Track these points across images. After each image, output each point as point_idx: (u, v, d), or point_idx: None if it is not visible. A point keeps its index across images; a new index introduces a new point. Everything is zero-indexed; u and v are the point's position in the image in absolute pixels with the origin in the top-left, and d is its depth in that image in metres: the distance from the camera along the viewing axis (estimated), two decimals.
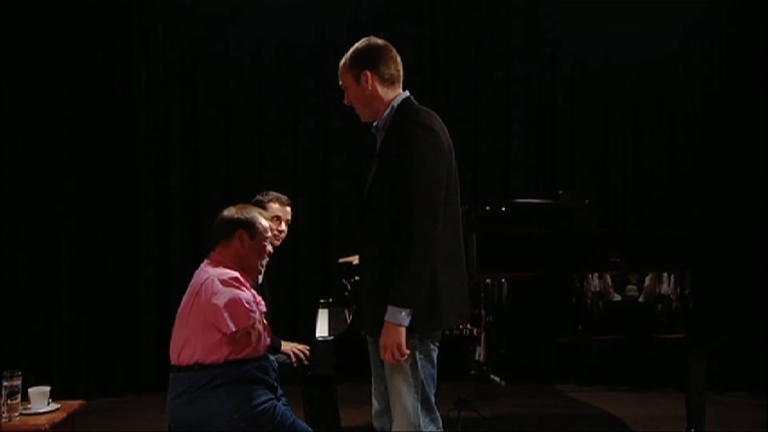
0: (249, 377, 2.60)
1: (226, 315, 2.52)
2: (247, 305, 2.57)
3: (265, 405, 2.60)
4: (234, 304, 2.54)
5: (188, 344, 2.57)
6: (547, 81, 5.82)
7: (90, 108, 5.36)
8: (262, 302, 2.95)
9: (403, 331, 2.23)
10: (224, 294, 2.55)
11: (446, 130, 2.42)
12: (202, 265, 2.72)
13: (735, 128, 5.45)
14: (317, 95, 5.63)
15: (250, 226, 2.73)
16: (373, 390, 2.56)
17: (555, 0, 5.73)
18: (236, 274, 2.63)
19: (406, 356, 2.26)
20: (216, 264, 2.68)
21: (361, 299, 2.50)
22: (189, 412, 2.55)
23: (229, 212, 2.77)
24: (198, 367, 2.55)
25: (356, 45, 2.48)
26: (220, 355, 2.55)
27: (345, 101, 2.52)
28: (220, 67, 5.67)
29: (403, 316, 2.22)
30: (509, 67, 5.81)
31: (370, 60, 2.42)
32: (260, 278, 2.95)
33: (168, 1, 5.57)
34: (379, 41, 2.48)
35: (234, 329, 2.53)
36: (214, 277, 2.59)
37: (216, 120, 5.67)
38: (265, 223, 2.79)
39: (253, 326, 2.60)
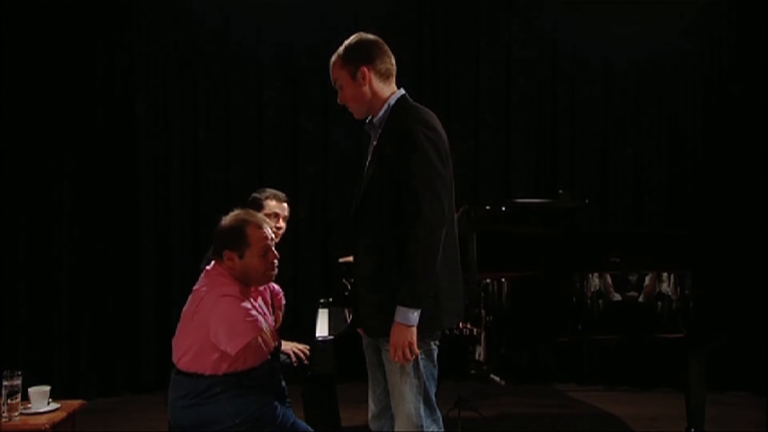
0: (247, 385, 2.58)
1: (225, 337, 2.46)
2: (247, 318, 2.50)
3: (265, 407, 2.58)
4: (232, 323, 2.47)
5: (189, 353, 2.54)
6: (547, 81, 5.83)
7: (90, 108, 5.36)
8: (281, 293, 2.94)
9: (414, 330, 2.22)
10: (222, 314, 2.48)
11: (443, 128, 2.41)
12: (204, 274, 2.67)
13: (735, 127, 5.45)
14: (318, 93, 5.64)
15: (236, 245, 2.57)
16: (369, 393, 2.55)
17: (555, 0, 5.74)
18: (235, 289, 2.56)
19: (416, 355, 2.26)
20: (215, 276, 2.61)
21: (358, 299, 2.47)
22: (189, 416, 2.54)
23: (223, 224, 2.64)
24: (197, 376, 2.53)
25: (347, 42, 2.45)
26: (219, 370, 2.52)
27: (339, 100, 2.48)
28: (220, 66, 5.67)
29: (414, 317, 2.22)
30: (509, 67, 5.81)
31: (365, 55, 2.39)
32: None
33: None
34: (370, 36, 2.45)
35: (234, 353, 2.48)
36: (215, 292, 2.53)
37: (216, 119, 5.67)
38: (260, 232, 2.60)
39: (256, 337, 2.55)
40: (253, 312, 2.55)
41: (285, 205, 3.49)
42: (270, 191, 3.48)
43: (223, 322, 2.48)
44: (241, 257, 2.58)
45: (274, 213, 3.41)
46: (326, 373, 3.05)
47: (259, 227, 2.63)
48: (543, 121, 5.84)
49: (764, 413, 4.57)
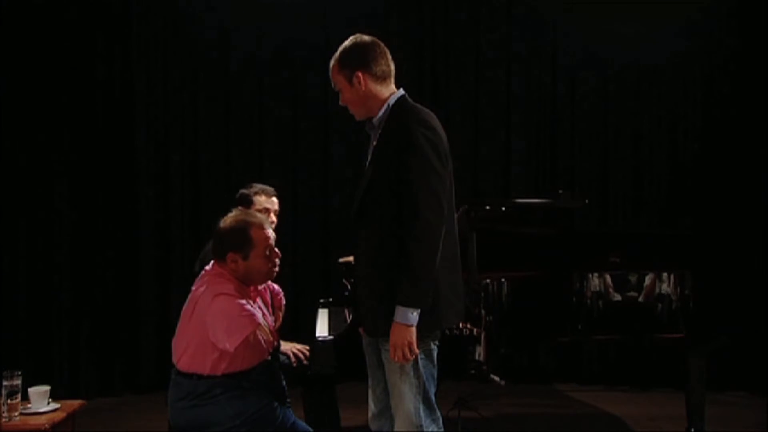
0: (247, 386, 2.58)
1: (223, 334, 2.46)
2: (243, 313, 2.50)
3: (265, 408, 2.58)
4: (229, 319, 2.47)
5: (187, 353, 2.55)
6: (547, 81, 5.82)
7: (89, 107, 5.36)
8: (281, 293, 2.93)
9: (414, 330, 2.23)
10: (219, 311, 2.48)
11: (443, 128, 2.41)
12: (202, 274, 2.67)
13: (735, 128, 5.45)
14: (317, 93, 5.63)
15: (241, 247, 2.57)
16: (369, 392, 2.55)
17: (555, 0, 5.74)
18: (230, 287, 2.55)
19: (416, 355, 2.26)
20: (212, 276, 2.60)
21: (358, 299, 2.47)
22: (189, 417, 2.54)
23: (224, 226, 2.63)
24: (197, 378, 2.53)
25: (344, 45, 2.45)
26: (218, 369, 2.52)
27: (340, 102, 2.49)
28: (219, 66, 5.67)
29: (414, 316, 2.22)
30: (509, 67, 5.81)
31: (360, 59, 2.40)
32: None
33: None
34: (366, 38, 2.46)
35: (233, 349, 2.47)
36: (211, 291, 2.53)
37: (216, 119, 5.67)
38: (263, 233, 2.60)
39: (254, 331, 2.55)
40: (249, 307, 2.55)
41: (274, 199, 3.48)
42: (258, 186, 3.46)
43: (220, 320, 2.48)
44: (245, 258, 2.59)
45: (265, 208, 3.39)
46: (326, 373, 3.04)
47: (262, 228, 2.63)
48: (543, 121, 5.84)
49: (764, 413, 4.57)
